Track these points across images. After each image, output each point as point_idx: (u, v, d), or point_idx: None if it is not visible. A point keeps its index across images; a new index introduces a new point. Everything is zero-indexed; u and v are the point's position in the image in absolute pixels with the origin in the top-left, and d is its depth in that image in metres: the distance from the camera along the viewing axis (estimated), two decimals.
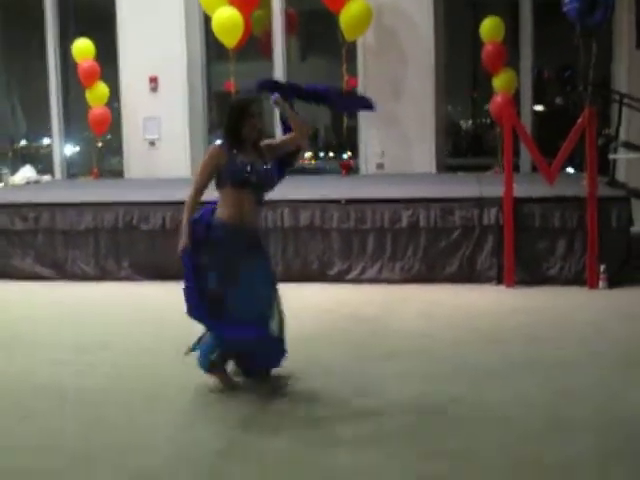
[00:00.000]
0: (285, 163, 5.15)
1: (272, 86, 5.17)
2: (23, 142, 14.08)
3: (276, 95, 4.96)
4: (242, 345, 4.92)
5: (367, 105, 5.50)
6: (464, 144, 13.54)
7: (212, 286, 4.79)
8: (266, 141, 5.04)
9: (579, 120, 7.67)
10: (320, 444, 4.11)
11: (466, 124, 13.65)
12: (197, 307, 4.83)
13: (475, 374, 5.19)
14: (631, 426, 4.26)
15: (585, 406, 4.57)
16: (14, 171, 12.66)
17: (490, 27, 10.60)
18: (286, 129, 5.18)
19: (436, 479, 3.72)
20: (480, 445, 4.04)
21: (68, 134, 13.08)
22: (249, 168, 4.78)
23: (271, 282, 5.01)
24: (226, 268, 4.79)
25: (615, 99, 9.36)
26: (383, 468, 3.80)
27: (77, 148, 13.44)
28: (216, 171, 4.83)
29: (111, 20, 12.12)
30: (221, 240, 4.79)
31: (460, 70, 12.88)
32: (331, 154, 13.35)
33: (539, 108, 12.39)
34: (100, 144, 12.91)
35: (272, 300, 4.94)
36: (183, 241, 4.80)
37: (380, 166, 11.44)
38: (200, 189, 4.87)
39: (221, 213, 4.85)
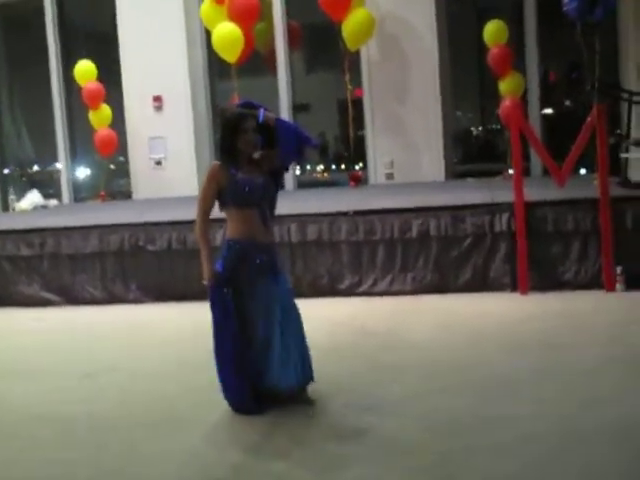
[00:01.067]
0: (276, 174, 4.95)
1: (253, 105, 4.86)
2: (36, 167, 14.03)
3: (263, 111, 4.75)
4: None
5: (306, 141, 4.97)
6: (474, 150, 13.37)
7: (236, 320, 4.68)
8: (261, 153, 4.85)
9: (588, 119, 7.51)
10: (326, 468, 3.95)
11: (477, 130, 13.49)
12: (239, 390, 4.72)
13: (491, 385, 5.02)
14: None
15: (604, 415, 4.38)
16: (22, 196, 12.60)
17: (493, 30, 10.42)
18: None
19: None
20: (495, 461, 3.88)
21: (77, 157, 13.02)
22: (248, 187, 4.67)
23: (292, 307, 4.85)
24: (244, 288, 4.67)
25: (624, 97, 9.17)
26: None
27: (88, 171, 13.34)
28: (217, 191, 4.70)
29: (113, 41, 12.07)
30: (236, 259, 4.67)
31: (468, 76, 12.73)
32: (343, 166, 13.19)
33: (549, 111, 12.21)
34: (112, 166, 12.86)
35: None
36: (207, 270, 4.66)
37: (389, 176, 11.31)
38: (206, 212, 4.74)
39: (231, 233, 4.75)
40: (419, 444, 4.14)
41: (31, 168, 14.06)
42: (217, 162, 4.78)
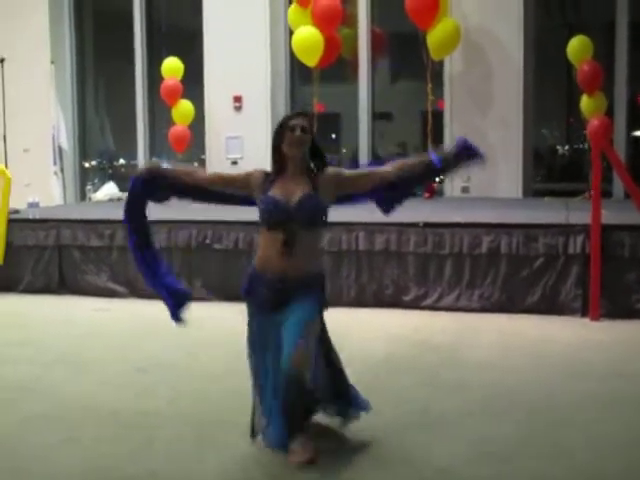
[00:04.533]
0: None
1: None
2: (122, 161, 14.23)
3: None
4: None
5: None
6: (558, 169, 13.09)
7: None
8: (335, 170, 4.11)
9: None
10: None
11: (562, 149, 13.21)
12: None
13: (549, 412, 4.82)
14: None
15: None
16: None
17: (578, 46, 10.13)
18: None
19: None
20: None
21: (159, 153, 13.15)
22: (269, 207, 3.96)
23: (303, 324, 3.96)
24: (256, 330, 4.14)
25: None
26: None
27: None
28: (241, 193, 4.15)
29: (198, 39, 12.17)
30: (250, 293, 4.12)
31: (556, 93, 12.49)
32: None
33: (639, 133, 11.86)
34: (196, 164, 12.96)
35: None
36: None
37: (465, 189, 11.14)
38: (202, 177, 4.24)
39: (255, 260, 4.15)
40: (467, 471, 3.98)
41: (117, 161, 14.29)
42: (262, 170, 4.14)
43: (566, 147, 13.05)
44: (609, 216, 7.42)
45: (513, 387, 5.35)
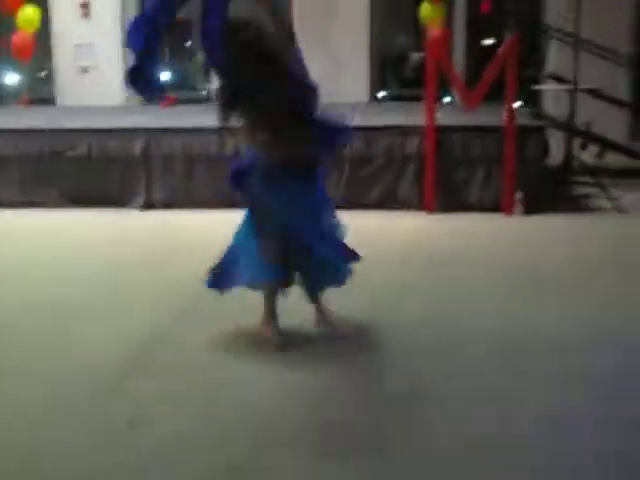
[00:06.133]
0: None
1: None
2: None
3: None
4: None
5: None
6: (410, 74, 13.54)
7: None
8: None
9: (501, 48, 7.80)
10: None
11: (416, 55, 13.63)
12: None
13: (381, 293, 5.41)
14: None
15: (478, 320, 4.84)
16: None
17: None
18: None
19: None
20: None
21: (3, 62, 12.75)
22: None
23: None
24: None
25: (542, 30, 9.49)
26: None
27: (19, 76, 13.02)
28: None
29: None
30: None
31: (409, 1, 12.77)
32: None
33: (489, 42, 12.36)
34: (43, 73, 12.64)
35: None
36: None
37: None
38: None
39: None
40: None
41: None
42: None
43: (420, 54, 13.47)
44: (443, 118, 7.96)
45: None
